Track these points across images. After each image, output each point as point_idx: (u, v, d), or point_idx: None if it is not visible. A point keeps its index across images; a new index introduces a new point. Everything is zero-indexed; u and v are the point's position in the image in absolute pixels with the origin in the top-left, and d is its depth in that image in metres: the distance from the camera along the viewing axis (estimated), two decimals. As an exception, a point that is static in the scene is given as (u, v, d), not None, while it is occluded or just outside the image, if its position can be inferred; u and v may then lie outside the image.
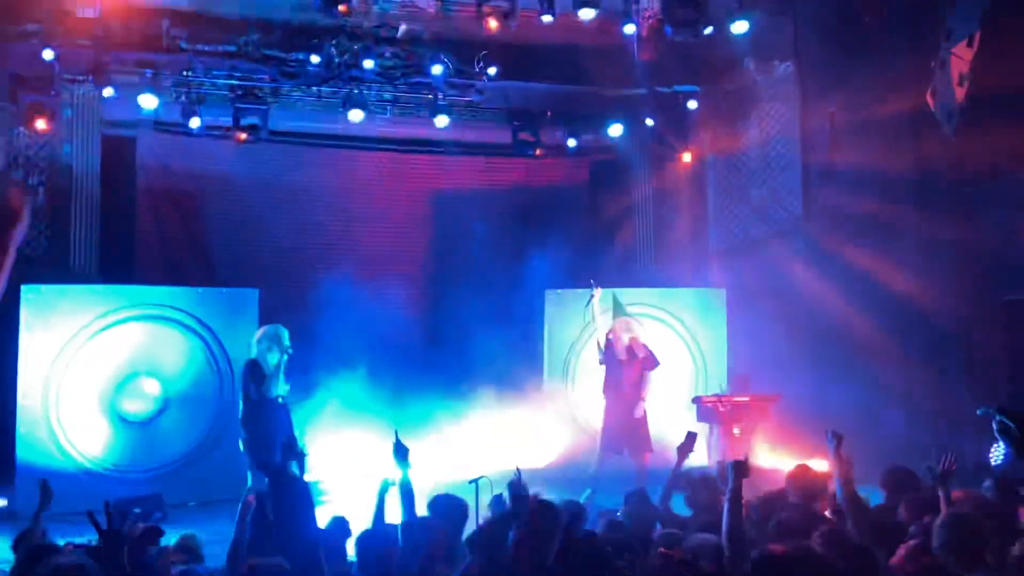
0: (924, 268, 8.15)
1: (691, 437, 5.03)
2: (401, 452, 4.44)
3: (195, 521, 6.53)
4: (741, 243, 9.87)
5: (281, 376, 6.69)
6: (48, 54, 8.24)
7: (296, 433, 6.94)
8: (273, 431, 6.59)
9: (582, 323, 9.07)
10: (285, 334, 6.78)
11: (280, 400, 6.74)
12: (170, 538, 4.67)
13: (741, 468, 3.50)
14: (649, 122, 10.23)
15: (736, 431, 8.00)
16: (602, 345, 7.82)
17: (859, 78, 8.65)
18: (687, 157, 10.45)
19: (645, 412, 7.68)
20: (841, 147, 8.87)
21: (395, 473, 4.40)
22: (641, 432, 7.60)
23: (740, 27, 8.66)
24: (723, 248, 10.12)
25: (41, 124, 8.49)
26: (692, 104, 10.09)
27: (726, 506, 3.42)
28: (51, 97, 8.57)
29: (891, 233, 8.38)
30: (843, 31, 8.92)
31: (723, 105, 10.04)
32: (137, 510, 7.25)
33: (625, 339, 7.73)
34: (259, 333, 6.92)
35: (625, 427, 7.60)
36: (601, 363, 7.85)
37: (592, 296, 7.98)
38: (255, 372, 6.69)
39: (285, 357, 6.70)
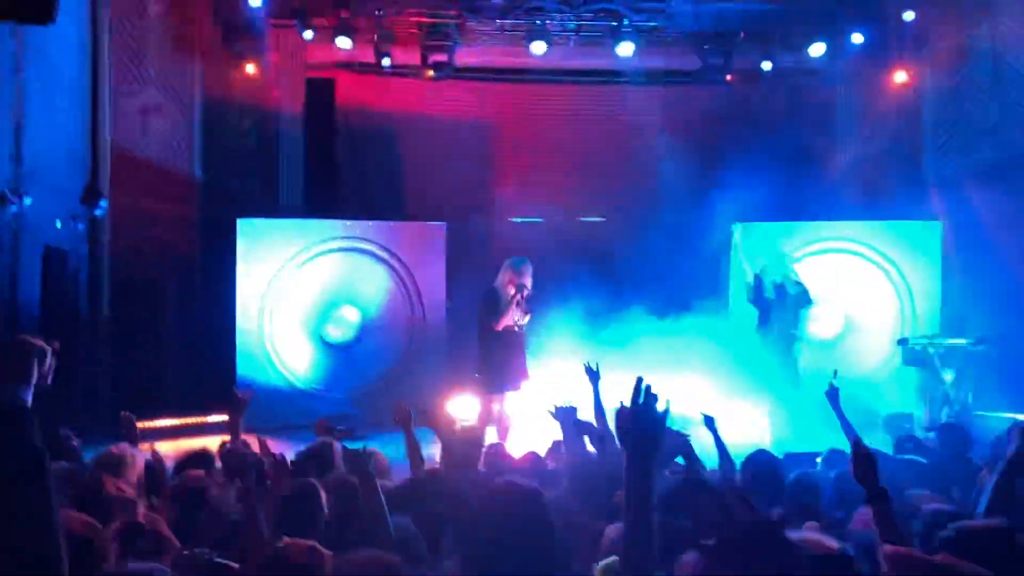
0: None
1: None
2: (593, 376, 4.60)
3: (387, 441, 6.97)
4: (962, 171, 8.77)
5: (516, 308, 6.93)
6: (255, 1, 8.78)
7: (526, 362, 7.24)
8: (504, 359, 6.94)
9: (773, 256, 8.68)
10: (526, 266, 7.01)
11: (517, 329, 7.02)
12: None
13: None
14: (857, 37, 9.28)
15: (948, 377, 7.29)
16: (752, 282, 7.54)
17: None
18: (901, 76, 9.40)
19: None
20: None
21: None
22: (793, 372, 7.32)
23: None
24: (942, 176, 9.06)
25: (250, 68, 9.12)
26: (908, 15, 9.02)
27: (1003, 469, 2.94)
28: (258, 43, 9.17)
29: None
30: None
31: (945, 13, 8.87)
32: (340, 427, 7.97)
33: (776, 276, 7.35)
34: (505, 263, 7.23)
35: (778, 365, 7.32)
36: (750, 301, 7.61)
37: (736, 232, 7.63)
38: (489, 300, 7.01)
39: (522, 288, 6.95)
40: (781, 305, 7.40)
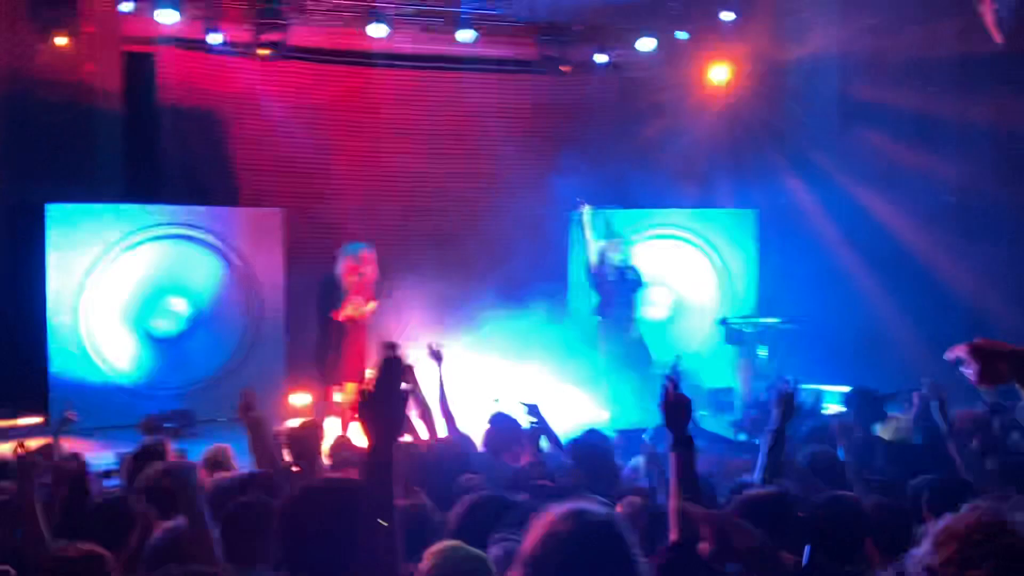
0: (965, 156, 7.89)
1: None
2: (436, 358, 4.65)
3: (226, 437, 6.67)
4: (777, 161, 9.54)
5: (356, 296, 6.86)
6: (64, -33, 8.05)
7: (364, 355, 7.06)
8: (343, 350, 6.76)
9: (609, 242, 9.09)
10: (362, 251, 6.84)
11: (359, 318, 6.92)
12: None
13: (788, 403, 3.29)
14: (681, 34, 9.81)
15: (762, 353, 7.92)
16: (593, 265, 7.78)
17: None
18: (722, 71, 10.05)
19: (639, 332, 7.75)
20: (879, 57, 8.47)
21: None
22: (637, 353, 7.63)
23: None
24: (758, 166, 9.80)
25: (60, 40, 8.36)
26: (727, 15, 9.64)
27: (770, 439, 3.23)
28: (69, 14, 8.41)
29: (930, 124, 8.08)
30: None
31: (758, 15, 9.56)
32: (168, 424, 7.54)
33: (615, 260, 7.71)
34: (341, 249, 7.00)
35: (620, 347, 7.64)
36: (591, 285, 7.86)
37: (581, 215, 7.93)
38: (326, 288, 6.81)
39: (361, 276, 6.78)
40: (620, 288, 7.74)
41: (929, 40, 8.01)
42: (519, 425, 4.40)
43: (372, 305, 7.28)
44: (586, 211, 7.92)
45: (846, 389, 5.55)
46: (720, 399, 8.47)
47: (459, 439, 4.38)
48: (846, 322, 8.40)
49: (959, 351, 1.83)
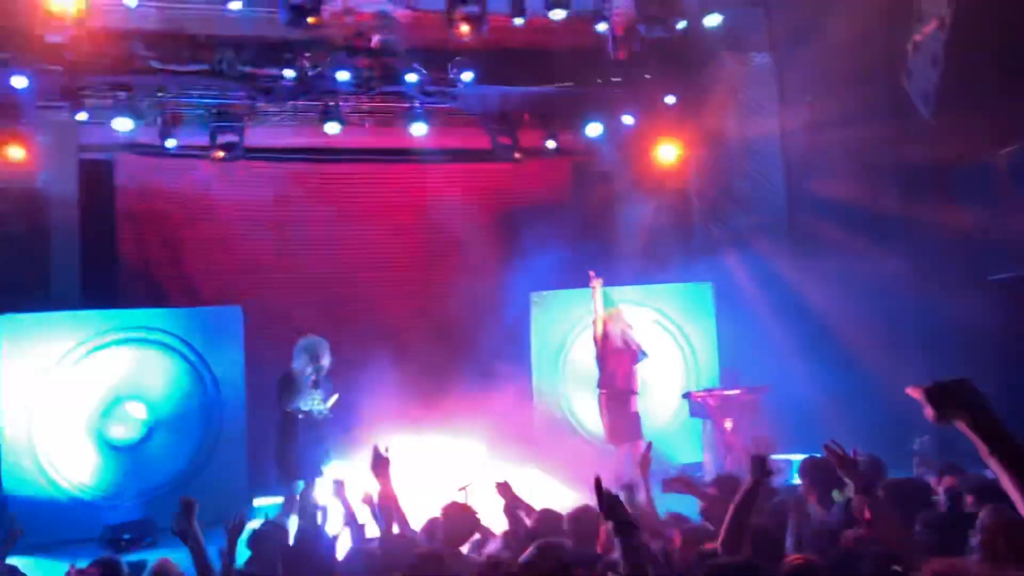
0: (910, 253, 8.11)
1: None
2: (378, 464, 4.42)
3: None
4: (726, 236, 9.81)
5: (315, 390, 6.82)
6: (20, 81, 8.17)
7: (327, 449, 6.95)
8: (301, 445, 6.76)
9: (569, 323, 9.19)
10: (320, 347, 6.86)
11: (318, 414, 6.85)
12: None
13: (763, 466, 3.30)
14: (627, 119, 10.19)
15: (727, 425, 7.96)
16: (599, 337, 7.84)
17: (835, 65, 8.62)
18: (667, 152, 10.41)
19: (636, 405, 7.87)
20: (821, 136, 8.84)
21: (372, 485, 4.37)
22: (635, 425, 7.67)
23: (713, 20, 8.69)
24: (708, 242, 10.07)
25: (15, 152, 8.42)
26: (670, 99, 10.05)
27: (739, 501, 3.21)
28: (24, 125, 8.51)
29: (876, 220, 8.34)
30: (816, 19, 8.89)
31: (701, 99, 10.00)
32: (127, 535, 7.30)
33: (618, 331, 7.80)
34: (297, 345, 6.97)
35: (622, 419, 7.65)
36: (596, 357, 7.94)
37: (592, 288, 8.00)
38: (285, 384, 6.83)
39: (320, 370, 6.74)
40: (623, 359, 7.80)
41: (870, 139, 8.31)
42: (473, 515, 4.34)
43: (333, 399, 7.23)
44: (597, 284, 7.99)
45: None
46: (691, 473, 8.44)
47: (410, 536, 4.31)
48: (810, 389, 8.50)
49: (914, 393, 1.92)
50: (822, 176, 8.87)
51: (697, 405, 8.23)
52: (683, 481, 4.73)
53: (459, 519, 4.33)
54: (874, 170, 8.33)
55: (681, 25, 8.64)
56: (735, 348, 9.22)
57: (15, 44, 8.09)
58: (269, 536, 4.52)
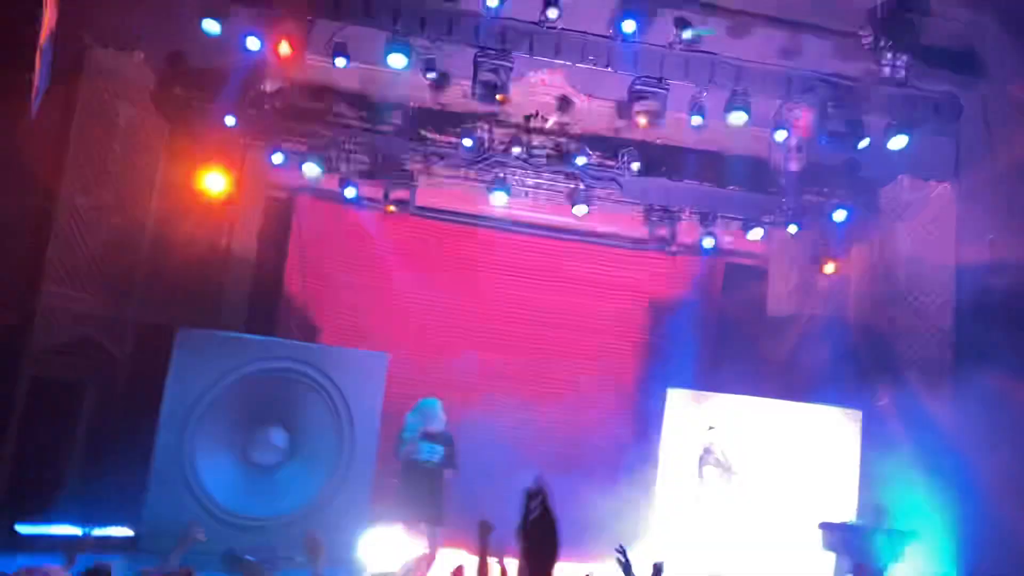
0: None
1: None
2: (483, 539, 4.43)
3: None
4: (884, 364, 9.31)
5: (422, 444, 7.39)
6: (230, 120, 8.98)
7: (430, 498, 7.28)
8: (408, 491, 7.34)
9: (699, 425, 8.99)
10: (431, 406, 7.50)
11: (428, 465, 7.37)
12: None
13: None
14: (792, 229, 10.02)
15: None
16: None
17: (1020, 204, 8.22)
18: (829, 269, 10.11)
19: None
20: (1000, 279, 8.37)
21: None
22: None
23: (899, 143, 8.45)
24: (861, 368, 9.59)
25: (216, 182, 9.16)
26: (839, 216, 9.83)
27: None
28: (226, 158, 9.29)
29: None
30: (1009, 158, 8.53)
31: (873, 220, 9.71)
32: (251, 558, 7.54)
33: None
34: (418, 403, 7.59)
35: None
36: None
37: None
38: (400, 434, 7.47)
39: (422, 426, 7.39)
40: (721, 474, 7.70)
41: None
42: None
43: (443, 452, 7.44)
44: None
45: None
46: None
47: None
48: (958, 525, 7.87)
49: None
50: (996, 321, 8.36)
51: (834, 538, 7.72)
52: None
53: None
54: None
55: (863, 144, 8.49)
56: (881, 484, 8.63)
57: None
58: None
